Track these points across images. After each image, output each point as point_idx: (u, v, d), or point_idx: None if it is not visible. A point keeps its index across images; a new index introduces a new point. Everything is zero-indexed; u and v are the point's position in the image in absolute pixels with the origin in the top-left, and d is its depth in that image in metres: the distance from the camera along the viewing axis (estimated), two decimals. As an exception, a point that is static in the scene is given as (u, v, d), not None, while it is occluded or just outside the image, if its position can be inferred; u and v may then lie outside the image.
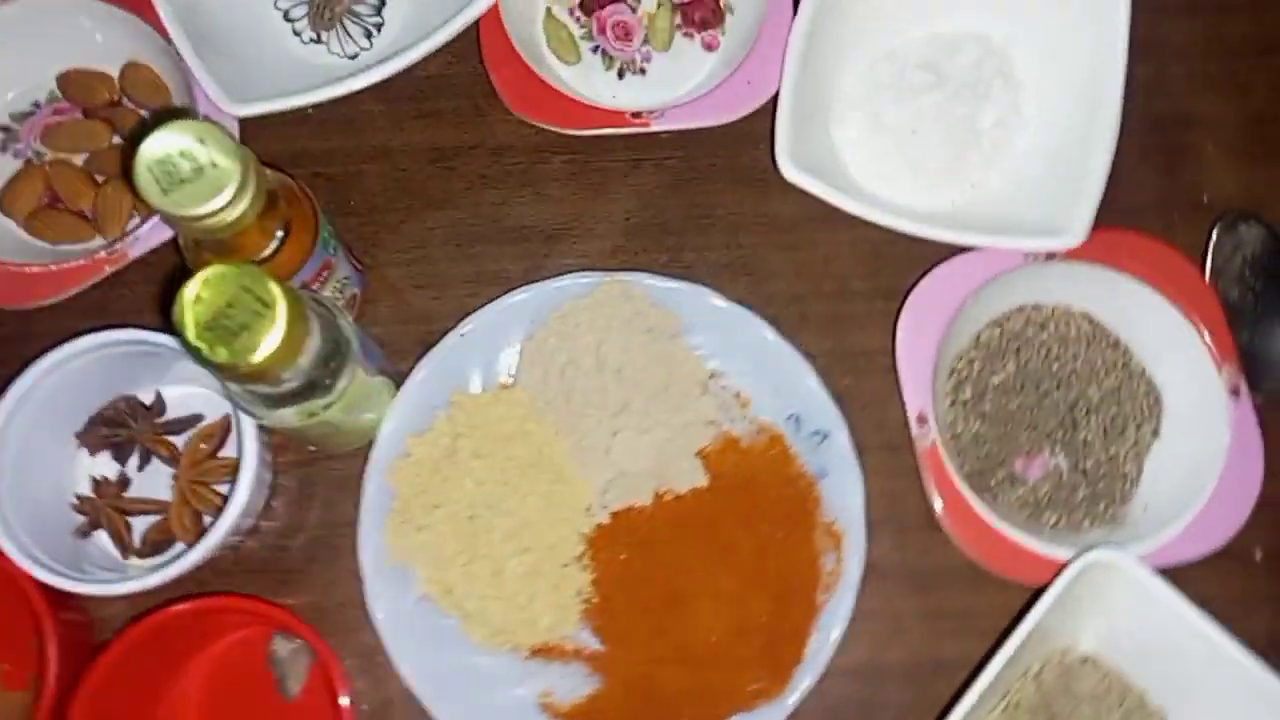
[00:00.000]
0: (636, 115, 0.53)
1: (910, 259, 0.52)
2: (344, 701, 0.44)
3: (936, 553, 0.50)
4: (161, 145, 0.37)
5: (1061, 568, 0.46)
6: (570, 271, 0.51)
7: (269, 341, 0.35)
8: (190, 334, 0.35)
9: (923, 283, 0.51)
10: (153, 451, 0.50)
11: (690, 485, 0.49)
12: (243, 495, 0.45)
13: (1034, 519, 0.50)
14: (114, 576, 0.46)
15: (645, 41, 0.57)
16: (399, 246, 0.54)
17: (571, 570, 0.48)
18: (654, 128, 0.52)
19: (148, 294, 0.51)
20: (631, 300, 0.51)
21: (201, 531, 0.45)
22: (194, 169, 0.36)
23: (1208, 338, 0.50)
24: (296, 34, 0.56)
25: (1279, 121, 0.56)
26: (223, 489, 0.49)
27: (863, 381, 0.52)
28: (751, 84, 0.52)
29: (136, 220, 0.52)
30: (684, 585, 0.48)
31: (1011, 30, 0.54)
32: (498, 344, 0.51)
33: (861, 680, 0.49)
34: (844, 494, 0.49)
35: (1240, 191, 0.55)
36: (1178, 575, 0.46)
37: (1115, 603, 0.46)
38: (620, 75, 0.57)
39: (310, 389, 0.41)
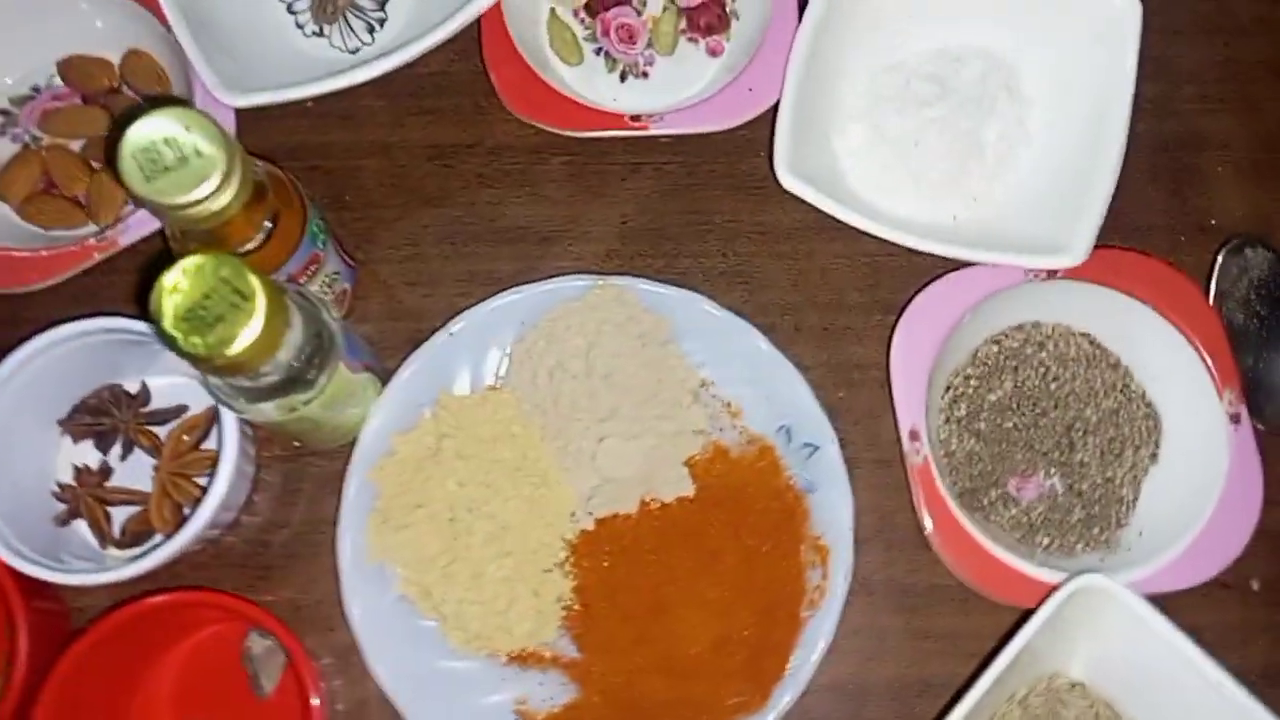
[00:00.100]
0: (636, 119, 0.52)
1: (909, 272, 0.52)
2: (315, 702, 0.44)
3: (925, 571, 0.49)
4: (146, 132, 0.37)
5: (1051, 591, 0.45)
6: (563, 274, 0.51)
7: (246, 334, 0.35)
8: (166, 323, 0.35)
9: (919, 297, 0.50)
10: (135, 442, 0.50)
11: (677, 494, 0.48)
12: (221, 488, 0.44)
13: (1026, 540, 0.50)
14: (90, 566, 0.46)
15: (649, 45, 0.56)
16: (393, 243, 0.54)
17: (553, 576, 0.48)
18: (653, 131, 0.52)
19: (137, 282, 0.51)
20: (624, 305, 0.50)
21: (181, 524, 0.45)
22: (178, 157, 0.36)
23: (1210, 362, 0.49)
24: (299, 27, 0.56)
25: (1291, 146, 0.56)
26: (204, 481, 0.49)
27: (856, 395, 0.52)
28: (753, 91, 0.52)
29: (130, 208, 0.52)
30: (667, 595, 0.47)
31: (1019, 46, 0.54)
32: (487, 344, 0.50)
33: (844, 698, 0.49)
34: (833, 508, 0.48)
35: (1249, 215, 0.55)
36: (1172, 603, 0.45)
37: (1106, 629, 0.46)
38: (622, 78, 0.56)
39: (291, 383, 0.40)
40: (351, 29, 0.56)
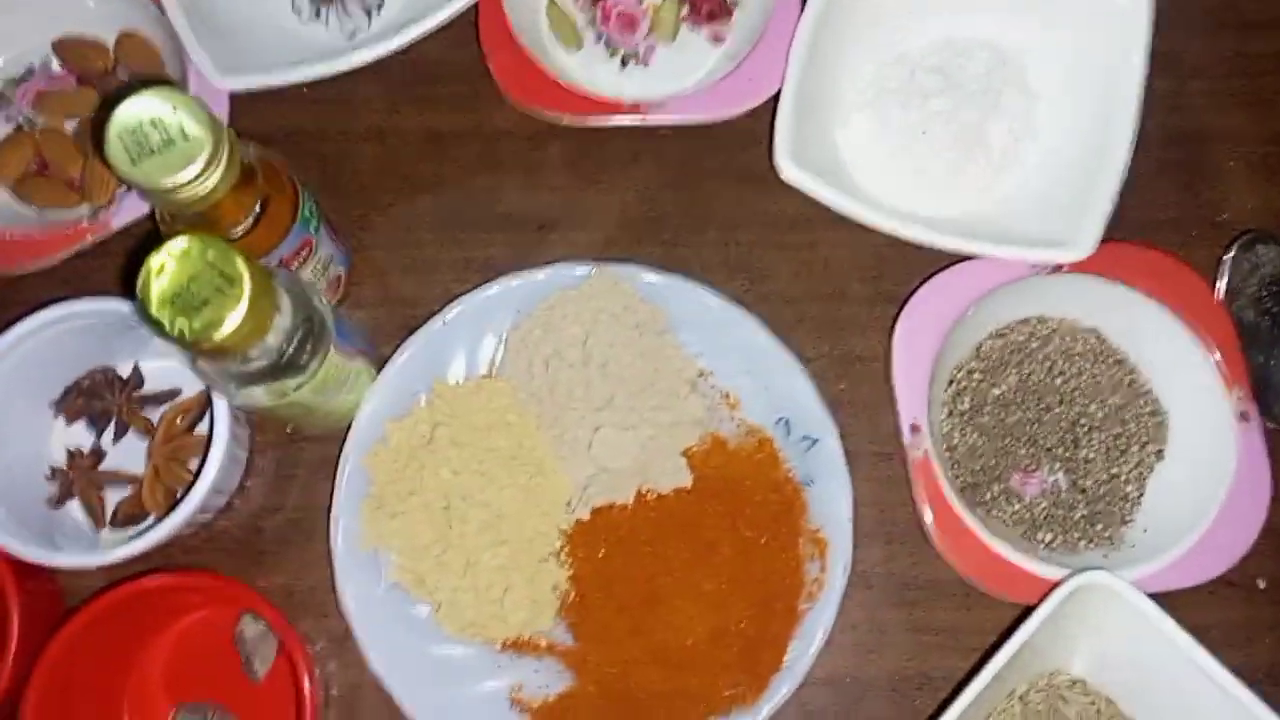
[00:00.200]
0: (635, 106, 0.52)
1: (912, 264, 0.51)
2: (307, 687, 0.43)
3: (925, 566, 0.49)
4: (133, 113, 0.36)
5: (1053, 587, 0.44)
6: (561, 262, 0.50)
7: (232, 318, 0.35)
8: (152, 306, 0.35)
9: (923, 289, 0.49)
10: (128, 424, 0.50)
11: (673, 485, 0.48)
12: (212, 472, 0.44)
13: (1028, 537, 0.49)
14: (83, 548, 0.45)
15: (650, 32, 0.55)
16: (388, 229, 0.53)
17: (548, 566, 0.47)
18: (652, 120, 0.51)
19: (125, 265, 0.51)
20: (621, 294, 0.50)
21: (174, 507, 0.44)
22: (164, 139, 0.36)
23: (1218, 359, 0.49)
24: (295, 11, 0.55)
25: (1303, 140, 0.55)
26: (197, 465, 0.48)
27: (857, 388, 0.51)
28: (754, 80, 0.51)
29: (124, 190, 0.51)
30: (663, 586, 0.47)
31: (1027, 39, 0.53)
32: (482, 332, 0.50)
33: (841, 692, 0.48)
34: (831, 501, 0.48)
35: (1260, 210, 0.54)
36: (1177, 601, 0.44)
37: (1108, 626, 0.45)
38: (623, 65, 0.56)
39: (282, 368, 0.40)
40: (348, 13, 0.56)
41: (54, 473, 0.49)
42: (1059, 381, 0.51)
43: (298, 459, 0.50)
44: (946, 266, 0.50)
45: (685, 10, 0.55)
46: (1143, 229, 0.51)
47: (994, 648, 0.44)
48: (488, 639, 0.47)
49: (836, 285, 0.53)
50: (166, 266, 0.35)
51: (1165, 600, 0.44)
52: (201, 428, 0.50)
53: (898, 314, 0.49)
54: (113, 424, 0.50)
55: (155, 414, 0.50)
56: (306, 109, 0.54)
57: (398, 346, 0.49)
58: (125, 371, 0.50)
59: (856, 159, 0.53)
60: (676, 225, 0.53)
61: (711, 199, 0.54)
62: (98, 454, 0.50)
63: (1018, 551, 0.47)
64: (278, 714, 0.46)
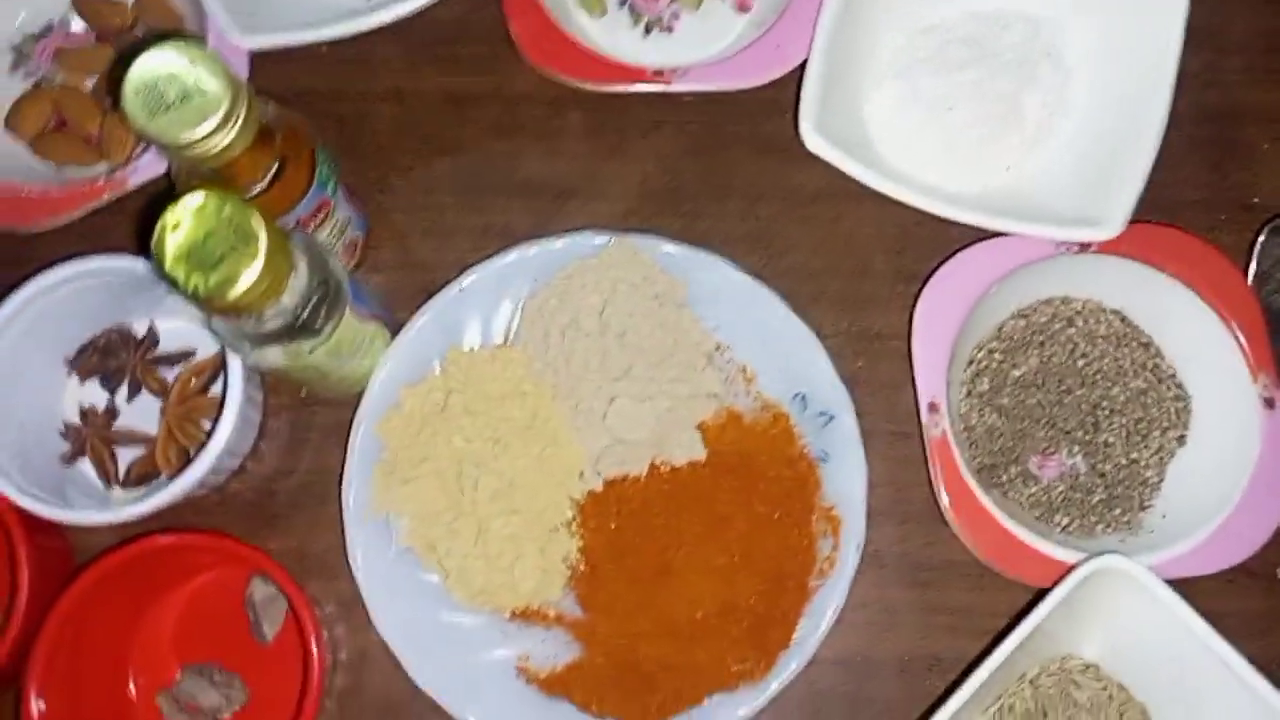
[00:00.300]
0: (658, 73, 0.51)
1: (936, 241, 0.50)
2: (315, 650, 0.43)
3: (939, 546, 0.49)
4: (150, 67, 0.36)
5: (1068, 571, 0.44)
6: (579, 230, 0.50)
7: (248, 275, 0.34)
8: (167, 262, 0.34)
9: (945, 266, 0.49)
10: (142, 383, 0.50)
11: (688, 458, 0.48)
12: (225, 433, 0.44)
13: (1045, 519, 0.49)
14: (94, 506, 0.45)
15: (675, -1, 0.55)
16: (406, 193, 0.53)
17: (559, 536, 0.47)
18: (676, 87, 0.51)
19: (139, 221, 0.51)
20: (640, 264, 0.49)
21: (186, 467, 0.44)
22: (181, 94, 0.35)
23: (1245, 345, 0.48)
24: (316, -31, 0.55)
25: (1341, 122, 0.54)
26: (210, 426, 0.48)
27: (876, 365, 0.51)
28: (781, 48, 0.50)
29: (142, 148, 0.51)
30: (673, 559, 0.47)
31: (1061, 11, 0.52)
32: (499, 299, 0.50)
33: (851, 670, 0.48)
34: (846, 479, 0.47)
35: (1294, 193, 0.53)
36: (1193, 588, 0.44)
37: (1124, 611, 0.45)
38: (647, 32, 0.55)
39: (297, 329, 0.40)
40: (370, -28, 0.55)
41: (67, 430, 0.49)
42: (1081, 364, 0.50)
43: (311, 423, 0.50)
44: (970, 243, 0.49)
45: (711, -23, 0.55)
46: (1171, 210, 0.50)
47: (1006, 630, 0.44)
48: (496, 607, 0.47)
49: (858, 261, 0.52)
50: (182, 222, 0.35)
51: (1182, 587, 0.43)
52: (216, 389, 0.50)
53: (919, 291, 0.48)
54: (127, 383, 0.50)
55: (170, 374, 0.50)
56: (325, 69, 0.53)
57: (414, 312, 0.49)
58: (141, 331, 0.50)
59: (883, 131, 0.52)
60: (697, 196, 0.53)
61: (733, 170, 0.53)
62: (111, 412, 0.50)
63: (1034, 534, 0.46)
64: (285, 676, 0.46)
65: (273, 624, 0.47)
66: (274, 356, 0.40)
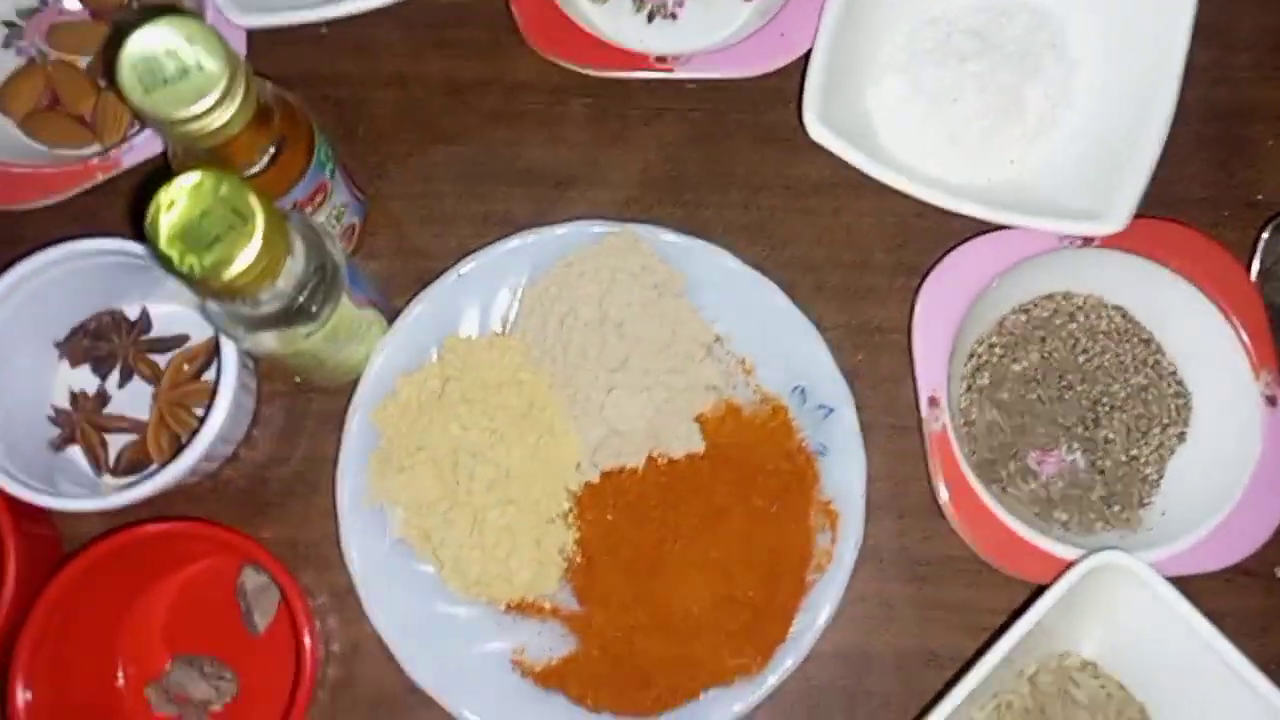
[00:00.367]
0: (661, 60, 0.50)
1: (938, 234, 0.50)
2: (307, 641, 0.43)
3: (937, 541, 0.48)
4: (147, 43, 0.35)
5: (1068, 567, 0.44)
6: (579, 219, 0.49)
7: (244, 256, 0.34)
8: (161, 242, 0.34)
9: (947, 259, 0.48)
10: (134, 369, 0.49)
11: (685, 450, 0.47)
12: (218, 419, 0.43)
13: (1044, 515, 0.48)
14: (84, 493, 0.45)
15: (679, -15, 0.54)
16: (404, 179, 0.52)
17: (555, 527, 0.47)
18: (679, 74, 0.50)
19: (133, 200, 0.50)
20: (640, 254, 0.49)
21: (178, 454, 0.44)
22: (179, 69, 0.35)
23: (1247, 342, 0.48)
24: (317, -51, 0.54)
25: (1347, 120, 0.53)
26: (202, 412, 0.47)
27: (875, 358, 0.50)
28: (785, 36, 0.50)
29: (136, 128, 0.50)
30: (670, 552, 0.46)
31: (1069, 4, 0.52)
32: (497, 288, 0.49)
33: (848, 665, 0.48)
34: (845, 473, 0.47)
35: (1299, 191, 0.52)
36: (1192, 587, 0.43)
37: (1122, 609, 0.44)
38: (650, 19, 0.54)
39: (293, 314, 0.39)
40: (371, -46, 0.54)
41: (57, 415, 0.48)
42: (1082, 359, 0.50)
43: (306, 410, 0.50)
44: (972, 236, 0.48)
45: (716, -36, 0.54)
46: (1175, 205, 0.50)
47: (1004, 627, 0.44)
48: (492, 599, 0.46)
49: (859, 253, 0.52)
50: (177, 201, 0.34)
51: (1180, 586, 0.43)
52: (209, 375, 0.49)
53: (920, 284, 0.48)
54: (118, 368, 0.49)
55: (162, 360, 0.49)
56: (325, 52, 0.53)
57: (411, 299, 0.48)
58: (133, 314, 0.49)
59: (886, 122, 0.52)
60: (699, 185, 0.52)
61: (736, 159, 0.53)
62: (102, 398, 0.49)
63: (1033, 530, 0.46)
64: (277, 667, 0.46)
65: (264, 614, 0.46)
66: (269, 342, 0.40)
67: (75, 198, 0.49)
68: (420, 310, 0.48)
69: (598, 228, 0.49)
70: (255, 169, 0.39)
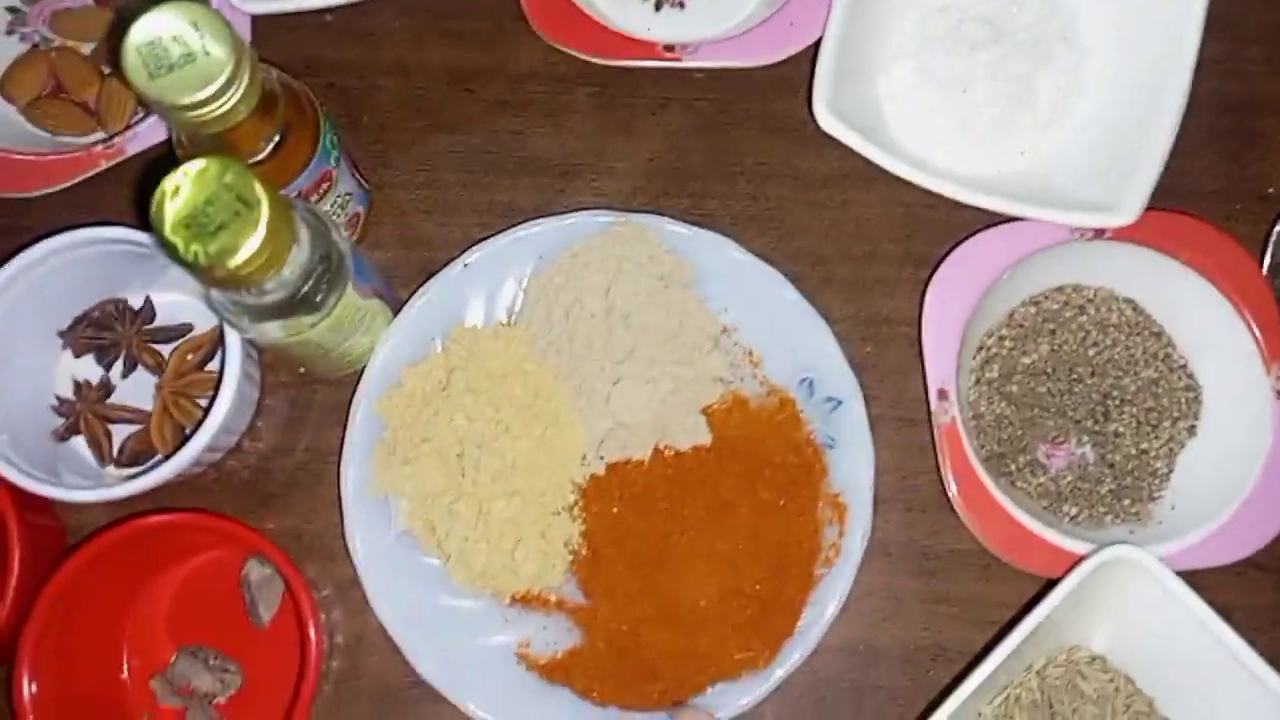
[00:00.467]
0: (669, 49, 0.50)
1: (947, 226, 0.50)
2: (312, 634, 0.43)
3: (946, 535, 0.48)
4: (153, 28, 0.35)
5: (1077, 561, 0.43)
6: (585, 209, 0.49)
7: (249, 245, 0.33)
8: (166, 229, 0.33)
9: (957, 251, 0.48)
10: (138, 359, 0.49)
11: (692, 442, 0.47)
12: (222, 410, 0.43)
13: (1053, 509, 0.48)
14: (88, 484, 0.44)
15: (687, -27, 0.54)
16: (408, 168, 0.52)
17: (561, 519, 0.46)
18: (686, 63, 0.50)
19: (136, 189, 0.50)
20: (646, 244, 0.48)
21: (182, 445, 0.43)
22: (184, 55, 0.34)
23: (1258, 335, 0.47)
24: (322, -64, 0.54)
25: (1360, 113, 0.53)
26: (206, 403, 0.47)
27: (884, 351, 0.50)
28: (794, 25, 0.50)
29: (140, 115, 0.50)
30: (676, 545, 0.46)
31: (1081, -9, 0.51)
32: (502, 278, 0.49)
33: (855, 659, 0.47)
34: (853, 466, 0.47)
35: (1311, 185, 0.52)
36: (1202, 581, 0.43)
37: (1132, 603, 0.44)
38: (657, 8, 0.54)
39: (297, 303, 0.39)
40: (376, -59, 0.54)
41: (60, 405, 0.48)
42: (1092, 352, 0.50)
43: (310, 401, 0.49)
44: (982, 228, 0.48)
45: (723, -47, 0.54)
46: (1186, 198, 0.49)
47: (1012, 621, 0.44)
48: (497, 592, 0.46)
49: (868, 245, 0.51)
50: (182, 188, 0.33)
51: (1190, 580, 0.43)
52: (213, 365, 0.49)
53: (930, 276, 0.48)
54: (122, 357, 0.49)
55: (166, 349, 0.49)
56: (329, 39, 0.52)
57: (416, 289, 0.48)
58: (137, 303, 0.49)
59: (896, 112, 0.51)
60: (706, 175, 0.52)
61: (743, 149, 0.52)
62: (106, 388, 0.49)
63: (1042, 524, 0.45)
64: (281, 660, 0.46)
65: (269, 606, 0.46)
66: (273, 331, 0.39)
67: (79, 185, 0.48)
68: (425, 300, 0.48)
69: (604, 218, 0.48)
70: (260, 156, 0.39)
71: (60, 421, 0.48)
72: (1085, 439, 0.49)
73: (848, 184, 0.52)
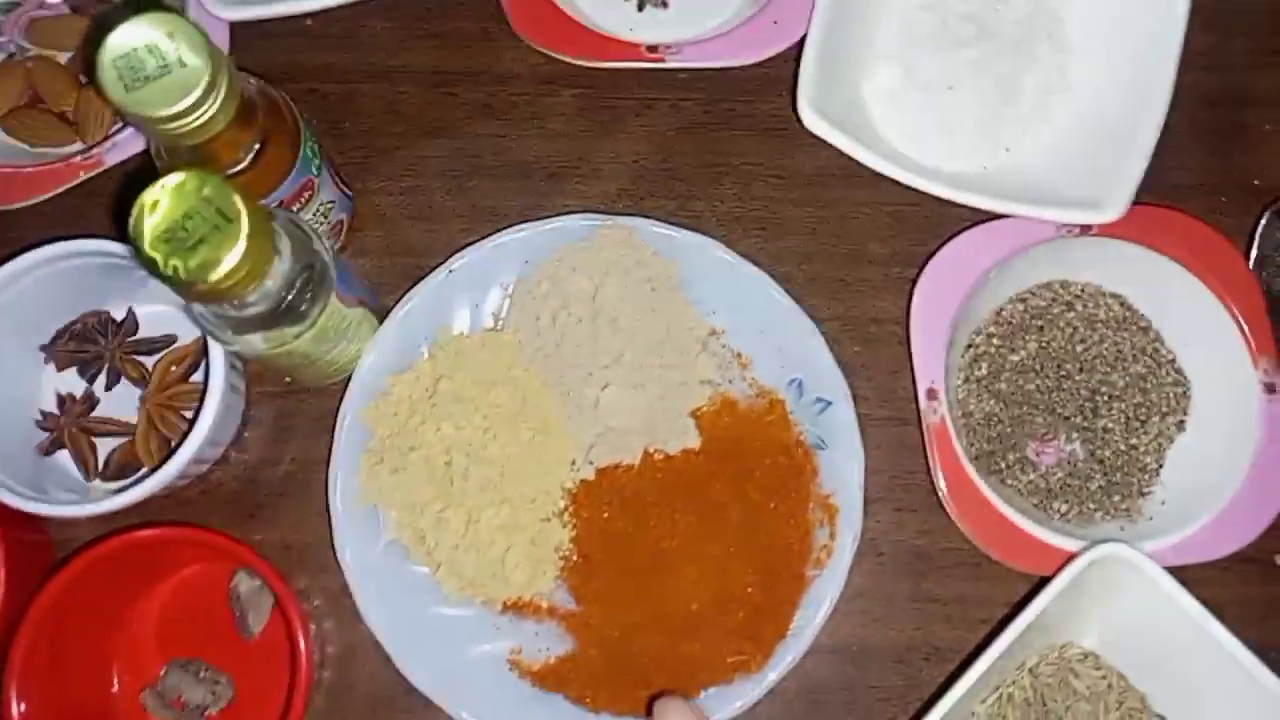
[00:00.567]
0: (653, 49, 0.50)
1: (934, 224, 0.50)
2: (302, 646, 0.42)
3: (937, 535, 0.48)
4: (127, 38, 0.34)
5: (1068, 559, 0.43)
6: (571, 212, 0.49)
7: (229, 259, 0.33)
8: (145, 244, 0.33)
9: (944, 250, 0.48)
10: (122, 371, 0.48)
11: (681, 446, 0.47)
12: (207, 422, 0.42)
13: (1043, 507, 0.48)
14: (74, 498, 0.44)
15: (670, -27, 0.53)
16: (392, 174, 0.52)
17: (551, 526, 0.46)
18: (671, 64, 0.50)
19: (116, 201, 0.49)
20: (633, 247, 0.48)
21: (168, 457, 0.43)
22: (160, 66, 0.34)
23: (1245, 329, 0.47)
24: (300, -59, 0.53)
25: (1345, 104, 0.53)
26: (192, 414, 0.47)
27: (873, 351, 0.50)
28: (779, 24, 0.49)
29: (120, 125, 0.49)
30: (667, 549, 0.46)
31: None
32: (488, 284, 0.48)
33: (848, 660, 0.47)
34: (843, 467, 0.47)
35: (1296, 176, 0.52)
36: (1192, 576, 0.43)
37: (1123, 600, 0.44)
38: (640, 7, 0.53)
39: (280, 315, 0.38)
40: (355, -55, 0.53)
41: (44, 419, 0.47)
42: (1080, 348, 0.50)
43: (297, 411, 0.49)
44: (969, 226, 0.48)
45: (706, -48, 0.53)
46: (1172, 192, 0.49)
47: (1004, 620, 0.44)
48: (487, 599, 0.46)
49: (855, 244, 0.51)
50: (161, 202, 0.33)
51: (1180, 575, 0.43)
52: (198, 376, 0.48)
53: (917, 275, 0.48)
54: (105, 370, 0.48)
55: (149, 361, 0.48)
56: (309, 44, 0.52)
57: (401, 297, 0.47)
58: (120, 315, 0.49)
59: (882, 110, 0.51)
60: (691, 176, 0.52)
61: (729, 150, 0.52)
62: (90, 401, 0.48)
63: (1033, 521, 0.45)
64: (272, 672, 0.45)
65: (259, 619, 0.46)
66: (257, 343, 0.39)
67: (58, 197, 0.48)
68: (410, 308, 0.47)
69: (590, 221, 0.48)
70: (240, 166, 0.39)
71: (45, 436, 0.47)
72: (1074, 435, 0.49)
73: (834, 183, 0.51)
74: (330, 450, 0.46)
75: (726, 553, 0.46)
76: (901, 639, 0.48)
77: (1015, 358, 0.50)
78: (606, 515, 0.46)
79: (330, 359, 0.44)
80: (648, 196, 0.51)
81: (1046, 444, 0.49)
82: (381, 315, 0.47)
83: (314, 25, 0.51)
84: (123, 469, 0.47)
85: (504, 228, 0.48)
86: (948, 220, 0.48)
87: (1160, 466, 0.49)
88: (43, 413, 0.48)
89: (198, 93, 0.34)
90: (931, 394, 0.46)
